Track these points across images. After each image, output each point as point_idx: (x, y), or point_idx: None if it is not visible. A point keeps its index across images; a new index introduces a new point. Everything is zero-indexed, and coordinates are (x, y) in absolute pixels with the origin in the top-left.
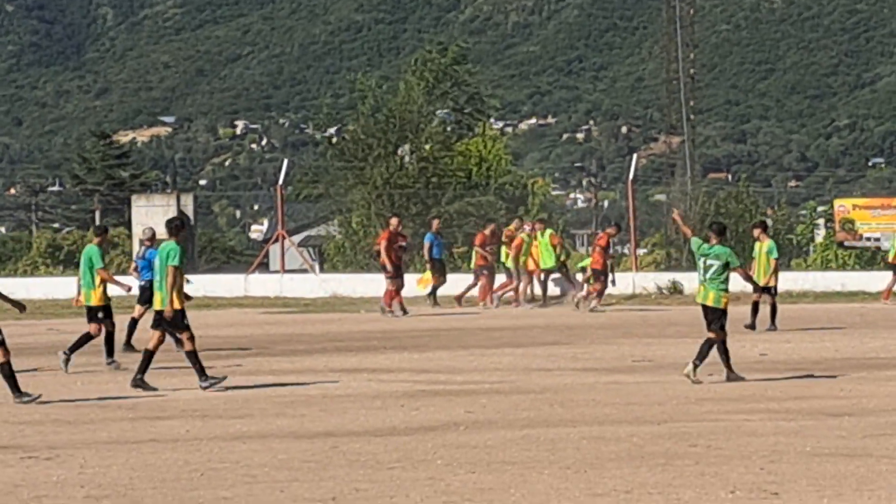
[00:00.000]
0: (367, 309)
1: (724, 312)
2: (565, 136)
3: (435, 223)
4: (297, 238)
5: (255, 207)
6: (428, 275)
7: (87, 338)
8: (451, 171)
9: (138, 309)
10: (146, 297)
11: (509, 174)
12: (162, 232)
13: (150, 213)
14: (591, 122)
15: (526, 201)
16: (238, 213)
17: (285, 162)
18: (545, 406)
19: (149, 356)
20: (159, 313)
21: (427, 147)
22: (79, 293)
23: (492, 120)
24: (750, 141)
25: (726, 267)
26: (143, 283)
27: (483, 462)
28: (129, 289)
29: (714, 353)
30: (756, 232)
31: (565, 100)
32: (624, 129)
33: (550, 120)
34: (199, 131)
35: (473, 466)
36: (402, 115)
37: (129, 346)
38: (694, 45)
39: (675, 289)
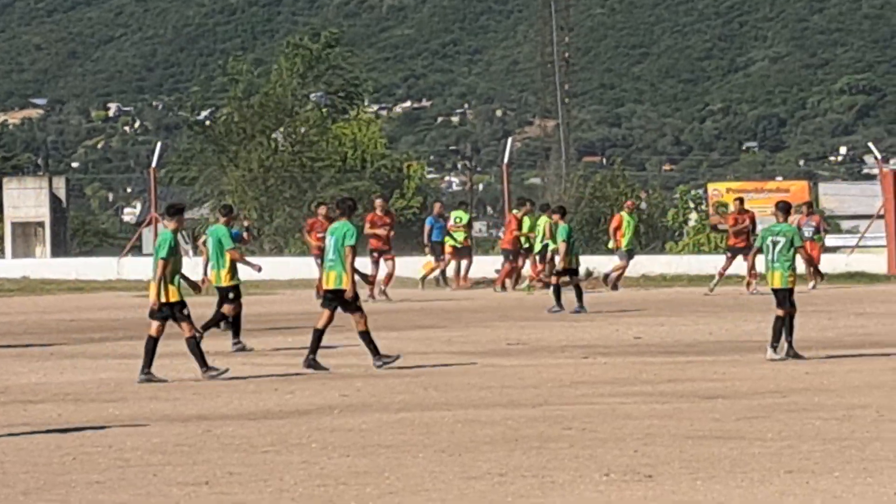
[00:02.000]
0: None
1: (791, 291)
2: (440, 119)
3: (437, 206)
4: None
5: (128, 190)
6: (430, 260)
7: (220, 317)
8: (325, 156)
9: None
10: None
11: (384, 158)
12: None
13: (22, 197)
14: (466, 105)
15: (401, 185)
16: (111, 196)
17: (158, 145)
18: (420, 389)
19: (318, 335)
20: (331, 291)
21: (301, 131)
22: (205, 273)
23: (366, 103)
24: (624, 124)
25: (792, 244)
26: None
27: (358, 445)
28: (259, 268)
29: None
30: (555, 217)
31: (440, 83)
32: (499, 113)
33: (425, 103)
34: (72, 113)
35: (348, 450)
36: (276, 99)
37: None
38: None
39: (551, 272)
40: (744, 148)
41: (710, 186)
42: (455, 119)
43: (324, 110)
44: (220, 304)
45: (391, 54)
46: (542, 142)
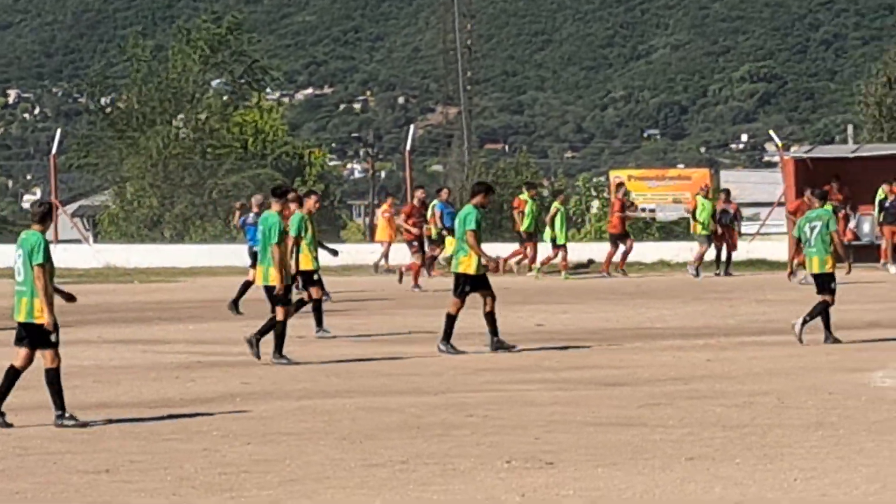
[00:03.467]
0: (139, 280)
1: (831, 276)
2: (342, 106)
3: (444, 192)
4: (71, 208)
5: (28, 177)
6: (451, 241)
7: (301, 303)
8: (227, 142)
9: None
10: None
11: (286, 145)
12: None
13: None
14: (368, 92)
15: (303, 172)
16: (10, 183)
17: (58, 131)
18: (322, 377)
19: (451, 320)
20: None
21: (202, 117)
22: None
23: (268, 90)
24: (527, 112)
25: (828, 228)
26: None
27: (259, 433)
28: (336, 252)
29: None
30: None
31: (342, 70)
32: (401, 100)
33: (327, 90)
34: None
35: (249, 438)
36: (177, 85)
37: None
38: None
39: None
40: (645, 135)
41: (612, 174)
42: (357, 106)
43: (225, 97)
44: (306, 288)
45: (292, 41)
46: (445, 129)
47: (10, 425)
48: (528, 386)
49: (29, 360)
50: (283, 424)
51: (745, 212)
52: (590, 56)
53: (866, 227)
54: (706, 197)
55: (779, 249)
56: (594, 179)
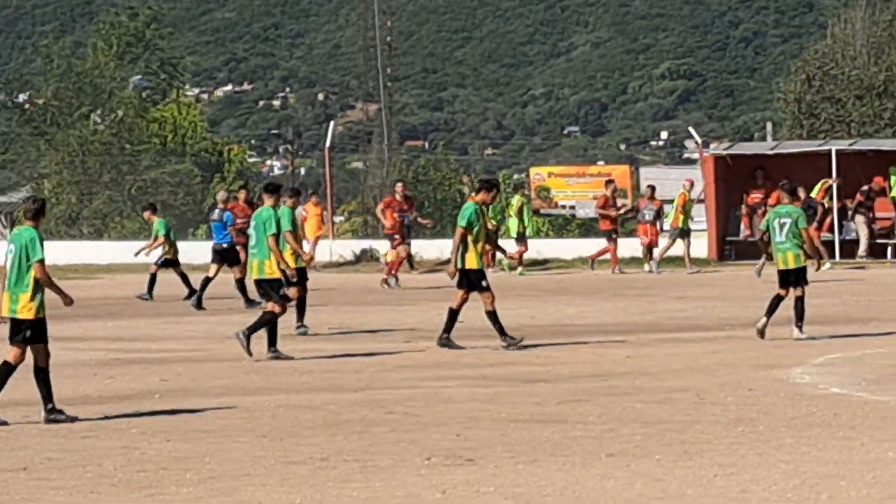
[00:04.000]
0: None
1: (804, 269)
2: (262, 103)
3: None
4: None
5: None
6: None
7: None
8: (145, 138)
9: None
10: (228, 258)
11: (205, 141)
12: None
13: None
14: (288, 89)
15: (222, 168)
16: None
17: None
18: (241, 374)
19: (453, 314)
20: (467, 272)
21: (120, 113)
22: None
23: (187, 86)
24: (447, 109)
25: (797, 224)
26: (224, 245)
27: (178, 430)
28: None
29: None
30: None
31: (262, 66)
32: (321, 97)
33: (247, 87)
34: None
35: (169, 435)
36: (93, 81)
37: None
38: (391, 12)
39: (373, 256)
40: (566, 132)
41: (533, 171)
42: (277, 103)
43: (143, 93)
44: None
45: (212, 38)
46: (365, 126)
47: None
48: (448, 383)
49: (43, 355)
50: (202, 421)
51: (665, 209)
52: (510, 53)
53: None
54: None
55: (699, 246)
56: (514, 176)
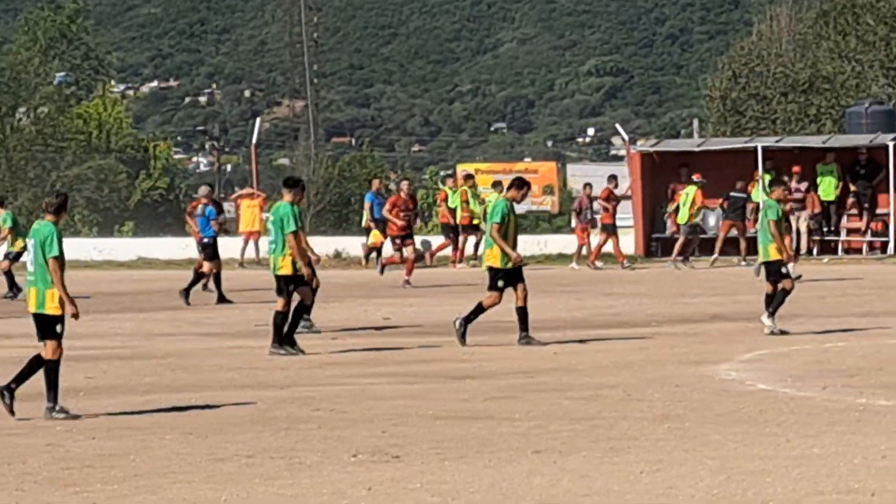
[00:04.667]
0: None
1: (780, 262)
2: (188, 99)
3: (375, 183)
4: None
5: None
6: (377, 235)
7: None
8: (70, 135)
9: (207, 265)
10: (207, 252)
11: (130, 137)
12: None
13: None
14: (214, 85)
15: (147, 165)
16: None
17: None
18: (168, 371)
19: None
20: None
21: (45, 109)
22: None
23: (112, 82)
24: (374, 105)
25: (766, 216)
26: (206, 239)
27: (104, 428)
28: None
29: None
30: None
31: (188, 63)
32: (247, 93)
33: (173, 83)
34: None
35: (94, 432)
36: (17, 76)
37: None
38: (317, 8)
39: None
40: (492, 129)
41: (460, 167)
42: (203, 99)
43: (68, 90)
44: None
45: (137, 33)
46: (291, 122)
47: (77, 416)
48: (375, 380)
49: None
50: (128, 419)
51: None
52: (437, 50)
53: (711, 221)
54: (697, 184)
55: (626, 243)
56: (441, 173)
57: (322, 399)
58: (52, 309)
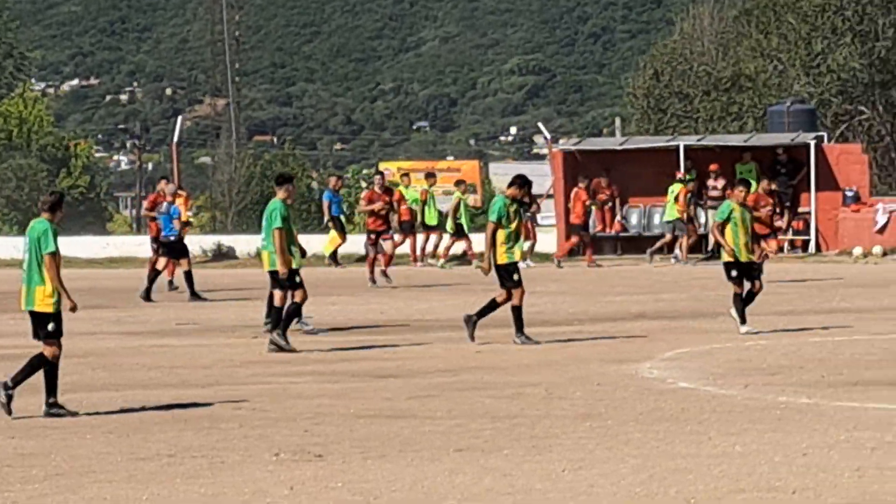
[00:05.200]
0: None
1: (727, 265)
2: (109, 97)
3: (332, 180)
4: None
5: None
6: (334, 235)
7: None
8: None
9: (163, 261)
10: (175, 250)
11: (51, 136)
12: None
13: None
14: (136, 83)
15: (68, 163)
16: None
17: None
18: (88, 370)
19: (517, 311)
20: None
21: None
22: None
23: (33, 80)
24: (296, 104)
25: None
26: (172, 238)
27: (24, 427)
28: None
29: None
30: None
31: (108, 61)
32: (169, 91)
33: (93, 81)
34: None
35: (14, 432)
36: None
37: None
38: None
39: (220, 251)
40: (415, 127)
41: (382, 166)
42: (124, 97)
43: None
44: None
45: (58, 31)
46: (213, 121)
47: (75, 413)
48: (297, 378)
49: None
50: (48, 418)
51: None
52: (359, 48)
53: (634, 219)
54: (681, 181)
55: (548, 241)
56: (364, 171)
57: (244, 398)
58: (42, 306)
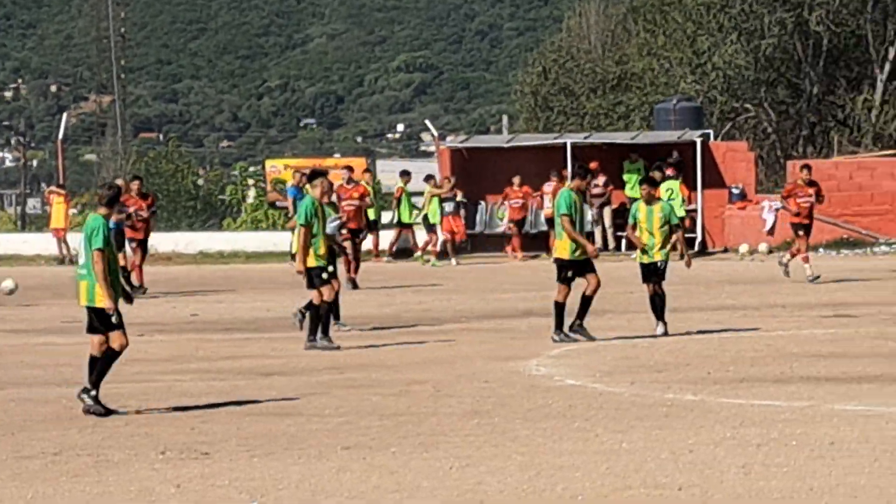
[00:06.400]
0: None
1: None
2: None
3: (297, 177)
4: None
5: None
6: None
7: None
8: None
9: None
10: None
11: None
12: None
13: None
14: (20, 80)
15: None
16: None
17: None
18: None
19: (559, 307)
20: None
21: None
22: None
23: None
24: (182, 101)
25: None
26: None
27: None
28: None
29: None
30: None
31: None
32: (54, 88)
33: None
34: None
35: None
36: None
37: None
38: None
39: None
40: (302, 125)
41: (269, 163)
42: (8, 94)
43: None
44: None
45: None
46: (98, 118)
47: (113, 412)
48: (183, 377)
49: (103, 344)
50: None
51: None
52: (245, 45)
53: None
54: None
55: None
56: (251, 168)
57: (129, 395)
58: (101, 302)
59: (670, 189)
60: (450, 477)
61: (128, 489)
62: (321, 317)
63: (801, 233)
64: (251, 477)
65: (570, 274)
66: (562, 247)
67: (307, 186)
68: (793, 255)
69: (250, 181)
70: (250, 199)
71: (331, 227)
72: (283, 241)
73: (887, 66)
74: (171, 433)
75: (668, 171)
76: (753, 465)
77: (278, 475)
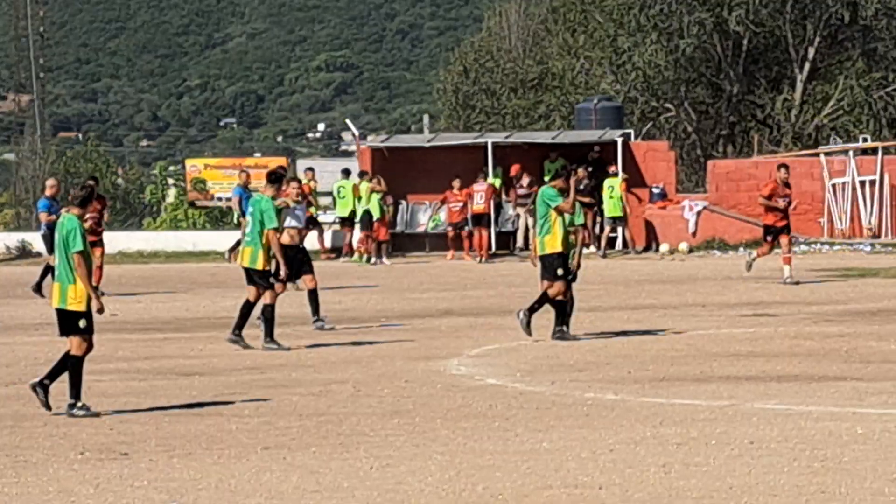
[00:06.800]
0: None
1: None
2: None
3: (243, 176)
4: None
5: None
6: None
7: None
8: None
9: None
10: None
11: None
12: None
13: None
14: None
15: None
16: None
17: None
18: None
19: (560, 305)
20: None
21: None
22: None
23: None
24: (101, 100)
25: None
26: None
27: None
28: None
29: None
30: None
31: None
32: None
33: None
34: None
35: None
36: None
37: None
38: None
39: (25, 249)
40: (222, 124)
41: (189, 162)
42: None
43: None
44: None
45: None
46: (17, 117)
47: (96, 413)
48: (102, 377)
49: (89, 347)
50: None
51: (323, 200)
52: (165, 44)
53: (443, 216)
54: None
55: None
56: (170, 168)
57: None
58: (74, 304)
59: (612, 187)
60: (370, 477)
61: (46, 489)
62: (271, 319)
63: (769, 238)
64: (170, 477)
65: (560, 272)
66: (552, 241)
67: (266, 185)
68: (759, 255)
69: (170, 181)
70: (170, 199)
71: (297, 217)
72: (202, 241)
73: (806, 66)
74: (90, 434)
75: (611, 169)
76: (673, 464)
77: (198, 475)
